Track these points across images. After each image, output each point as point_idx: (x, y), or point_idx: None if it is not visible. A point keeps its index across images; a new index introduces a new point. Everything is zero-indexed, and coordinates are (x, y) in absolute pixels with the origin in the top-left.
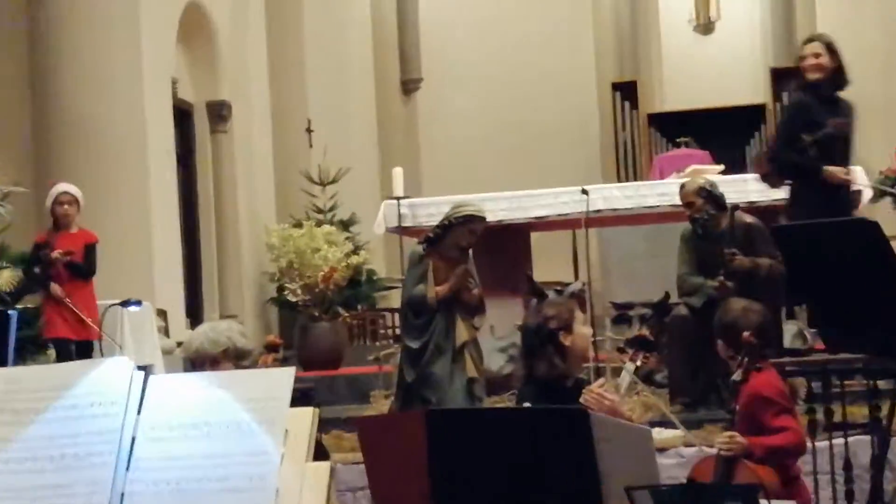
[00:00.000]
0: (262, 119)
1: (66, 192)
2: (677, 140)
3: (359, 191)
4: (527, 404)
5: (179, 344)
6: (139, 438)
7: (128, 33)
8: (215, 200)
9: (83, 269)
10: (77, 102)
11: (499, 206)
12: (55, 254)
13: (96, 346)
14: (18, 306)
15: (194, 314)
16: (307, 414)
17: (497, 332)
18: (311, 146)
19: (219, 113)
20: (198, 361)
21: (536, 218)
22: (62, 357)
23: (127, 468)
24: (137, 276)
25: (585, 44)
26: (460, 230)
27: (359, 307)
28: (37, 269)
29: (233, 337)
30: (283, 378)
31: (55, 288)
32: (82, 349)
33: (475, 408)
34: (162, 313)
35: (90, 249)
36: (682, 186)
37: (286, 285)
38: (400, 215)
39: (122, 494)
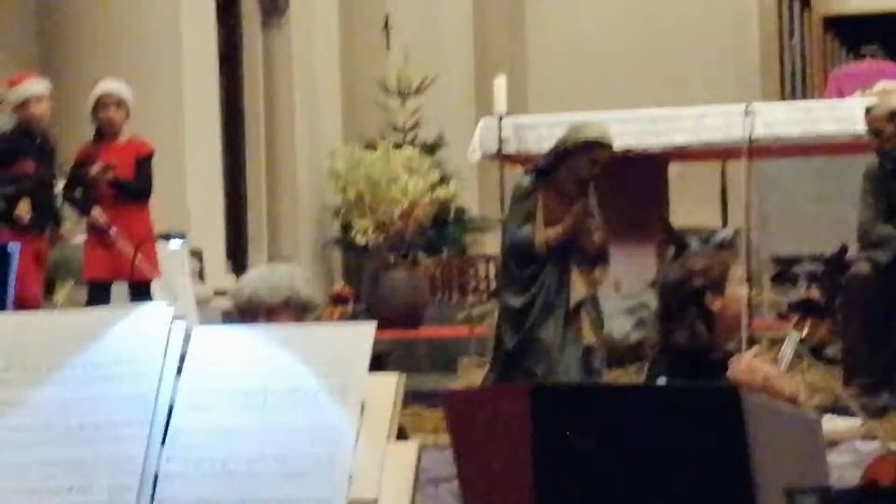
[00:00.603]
0: (327, 12)
1: (109, 93)
2: (861, 50)
3: (449, 106)
4: (661, 380)
5: (220, 293)
6: (178, 407)
7: None
8: (266, 114)
9: (134, 187)
10: None
11: (628, 129)
12: (94, 169)
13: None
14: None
15: (237, 256)
16: (390, 382)
17: (623, 289)
18: (388, 48)
19: (273, 3)
20: (250, 311)
21: (676, 146)
22: (96, 304)
23: (162, 443)
24: (167, 206)
25: None
26: (579, 159)
27: (445, 252)
28: (77, 192)
29: (295, 284)
30: (361, 336)
31: (96, 213)
32: (139, 293)
33: (593, 383)
34: (197, 254)
35: (143, 163)
36: (868, 109)
37: (354, 223)
38: (501, 138)
39: (156, 475)
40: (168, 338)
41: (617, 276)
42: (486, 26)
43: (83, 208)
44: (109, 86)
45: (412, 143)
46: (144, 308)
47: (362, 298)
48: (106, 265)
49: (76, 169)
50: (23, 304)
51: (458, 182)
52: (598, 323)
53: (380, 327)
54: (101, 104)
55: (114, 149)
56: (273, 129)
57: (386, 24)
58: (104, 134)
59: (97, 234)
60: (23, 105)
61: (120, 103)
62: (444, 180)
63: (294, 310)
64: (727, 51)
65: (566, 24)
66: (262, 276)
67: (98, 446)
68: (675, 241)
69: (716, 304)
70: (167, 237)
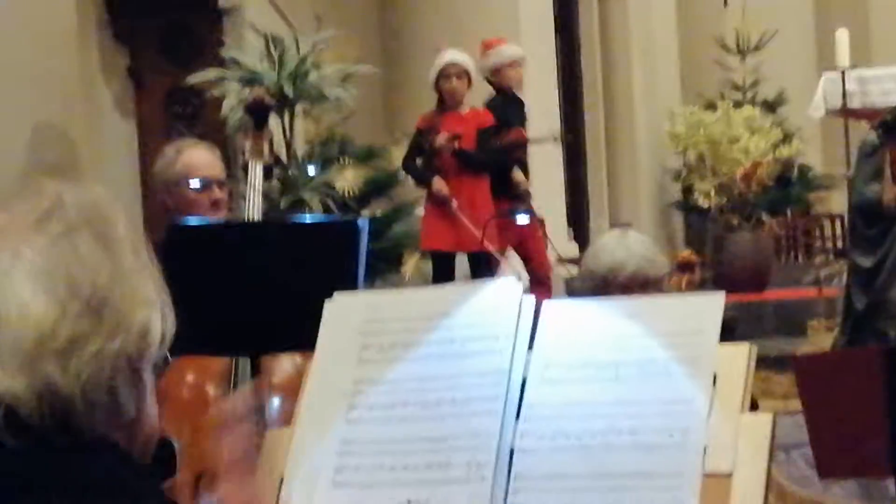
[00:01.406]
0: None
1: (453, 63)
2: None
3: (789, 61)
4: None
5: (565, 260)
6: (531, 380)
7: None
8: (603, 78)
9: (477, 157)
10: None
11: None
12: (440, 138)
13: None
14: (366, 213)
15: (577, 222)
16: (741, 352)
17: None
18: (725, 4)
19: None
20: (628, 286)
21: None
22: (440, 276)
23: (516, 417)
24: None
25: None
26: None
27: (789, 213)
28: (418, 161)
29: (659, 255)
30: (711, 306)
31: (438, 183)
32: (476, 264)
33: None
34: (539, 222)
35: (485, 134)
36: None
37: (695, 186)
38: (845, 92)
39: (512, 450)
40: (519, 313)
41: None
42: None
43: (423, 178)
44: (453, 56)
45: (752, 101)
46: (495, 284)
47: (707, 263)
48: (447, 236)
49: (417, 138)
50: None
51: (801, 139)
52: None
53: (724, 291)
54: (444, 74)
55: (456, 119)
56: (611, 92)
57: None
58: (446, 104)
59: (438, 204)
60: (498, 71)
61: (463, 74)
62: (786, 138)
63: (654, 282)
64: None
65: None
66: (630, 249)
67: (454, 422)
68: None
69: None
70: (514, 212)
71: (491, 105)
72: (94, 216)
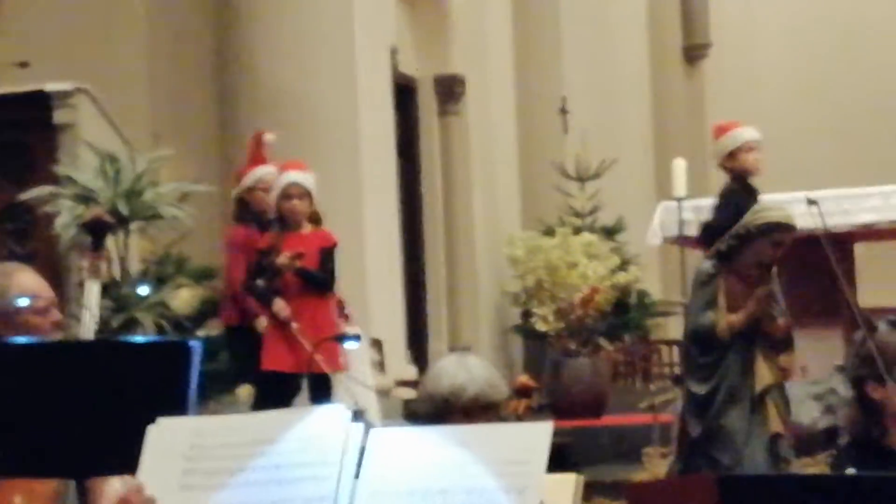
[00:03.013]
0: (504, 97)
1: (294, 183)
2: None
3: (627, 189)
4: (850, 470)
5: (403, 383)
6: None
7: None
8: (444, 200)
9: (320, 277)
10: (273, 77)
11: (812, 210)
12: (282, 257)
13: (337, 384)
14: (201, 334)
15: (417, 345)
16: (568, 482)
17: (810, 375)
18: (565, 131)
19: (449, 89)
20: (471, 411)
21: (862, 225)
22: (279, 398)
23: None
24: (346, 296)
25: None
26: (761, 242)
27: (627, 338)
28: (260, 282)
29: (500, 380)
30: (539, 435)
31: (278, 304)
32: (318, 385)
33: (780, 472)
34: (377, 344)
35: (327, 254)
36: None
37: (534, 310)
38: (682, 221)
39: None
40: (346, 440)
41: (803, 360)
42: (665, 108)
43: (265, 298)
44: (295, 176)
45: (591, 227)
46: (322, 410)
47: (544, 387)
48: (287, 358)
49: (259, 258)
50: None
51: (639, 266)
52: (785, 410)
53: (562, 416)
54: (285, 194)
55: (298, 239)
56: (451, 215)
57: (563, 108)
58: (287, 224)
59: (279, 326)
60: (733, 155)
61: (304, 194)
62: (624, 264)
63: (495, 406)
64: None
65: (747, 105)
66: (471, 372)
67: None
68: (865, 323)
69: (877, 394)
70: (342, 339)
71: (727, 192)
72: None
